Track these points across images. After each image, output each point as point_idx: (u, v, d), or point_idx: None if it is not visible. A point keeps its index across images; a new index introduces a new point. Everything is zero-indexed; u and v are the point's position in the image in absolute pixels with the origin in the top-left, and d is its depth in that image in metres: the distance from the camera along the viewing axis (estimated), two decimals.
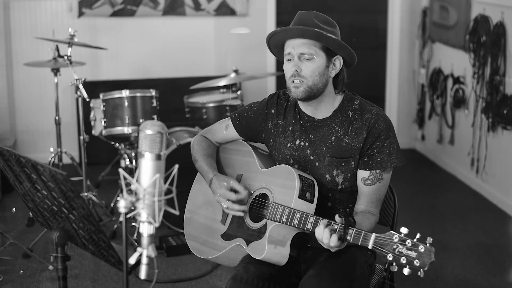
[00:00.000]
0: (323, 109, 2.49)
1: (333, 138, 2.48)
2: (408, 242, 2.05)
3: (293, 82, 2.43)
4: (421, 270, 2.02)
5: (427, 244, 2.03)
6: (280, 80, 6.08)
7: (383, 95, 6.46)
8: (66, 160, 5.09)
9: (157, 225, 1.76)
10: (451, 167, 5.74)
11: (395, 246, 2.07)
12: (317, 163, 2.49)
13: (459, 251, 4.27)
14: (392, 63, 6.37)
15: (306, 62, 2.41)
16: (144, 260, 1.76)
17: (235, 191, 2.51)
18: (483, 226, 4.69)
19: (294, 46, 2.42)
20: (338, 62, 2.46)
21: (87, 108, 4.64)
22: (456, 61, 5.51)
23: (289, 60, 2.44)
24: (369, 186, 2.45)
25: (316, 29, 2.36)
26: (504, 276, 3.96)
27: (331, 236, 2.19)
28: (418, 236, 2.06)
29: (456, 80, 5.48)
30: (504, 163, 4.90)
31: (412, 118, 6.42)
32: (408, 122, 6.46)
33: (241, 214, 2.50)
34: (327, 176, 2.48)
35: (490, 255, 4.22)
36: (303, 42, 2.40)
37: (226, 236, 2.56)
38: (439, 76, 5.80)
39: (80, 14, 5.75)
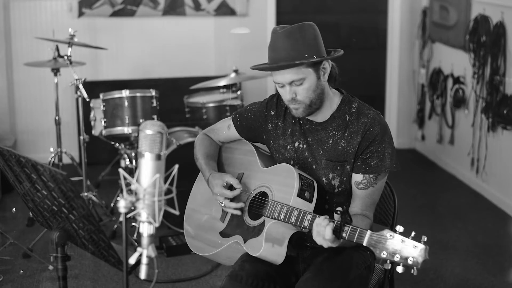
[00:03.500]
0: (321, 112, 2.49)
1: (330, 141, 2.48)
2: (403, 240, 2.05)
3: (292, 105, 2.43)
4: (415, 268, 2.03)
5: (422, 243, 2.04)
6: None
7: (383, 95, 6.46)
8: (66, 160, 5.09)
9: (157, 225, 1.76)
10: (451, 167, 5.74)
11: (389, 244, 2.07)
12: (314, 166, 2.50)
13: (459, 251, 4.27)
14: (392, 63, 6.36)
15: (298, 87, 2.38)
16: (144, 260, 1.76)
17: (231, 187, 2.51)
18: (483, 226, 4.69)
19: (282, 76, 2.38)
20: (327, 64, 2.43)
21: (87, 108, 4.64)
22: (456, 61, 5.51)
23: (281, 86, 2.42)
24: (362, 190, 2.44)
25: (296, 62, 2.32)
26: (504, 276, 3.96)
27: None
28: (413, 234, 2.06)
29: (456, 80, 5.48)
30: (504, 163, 4.90)
31: (412, 118, 6.42)
32: (408, 122, 6.46)
33: (239, 213, 2.50)
34: (324, 179, 2.48)
35: (490, 255, 4.22)
36: (289, 71, 2.37)
37: (225, 234, 2.57)
38: (439, 76, 5.80)
39: (80, 14, 5.75)
